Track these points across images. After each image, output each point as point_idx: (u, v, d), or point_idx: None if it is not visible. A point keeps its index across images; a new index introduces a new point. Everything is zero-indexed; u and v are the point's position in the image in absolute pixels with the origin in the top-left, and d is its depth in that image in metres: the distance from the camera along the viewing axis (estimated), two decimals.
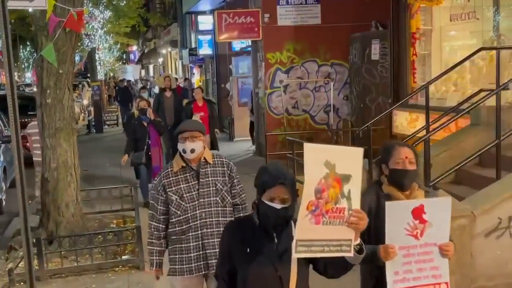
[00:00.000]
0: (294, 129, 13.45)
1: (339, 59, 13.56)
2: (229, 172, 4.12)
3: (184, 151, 3.97)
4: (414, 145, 6.49)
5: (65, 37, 7.18)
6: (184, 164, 4.03)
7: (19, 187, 5.49)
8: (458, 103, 7.98)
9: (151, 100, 14.34)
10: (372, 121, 8.03)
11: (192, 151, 3.95)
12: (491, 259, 5.51)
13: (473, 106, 6.89)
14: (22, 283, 5.99)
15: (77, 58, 35.27)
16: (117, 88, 27.29)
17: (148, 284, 6.16)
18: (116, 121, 23.42)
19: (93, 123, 21.80)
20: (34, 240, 6.07)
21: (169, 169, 4.06)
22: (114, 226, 8.13)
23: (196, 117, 10.71)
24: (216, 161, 4.11)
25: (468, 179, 7.08)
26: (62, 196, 7.33)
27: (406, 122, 10.51)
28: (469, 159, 6.49)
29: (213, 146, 11.21)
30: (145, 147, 9.20)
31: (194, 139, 3.95)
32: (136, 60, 50.91)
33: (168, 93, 12.20)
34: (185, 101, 13.01)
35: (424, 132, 7.31)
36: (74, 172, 7.43)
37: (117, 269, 6.62)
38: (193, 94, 12.04)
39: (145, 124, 9.26)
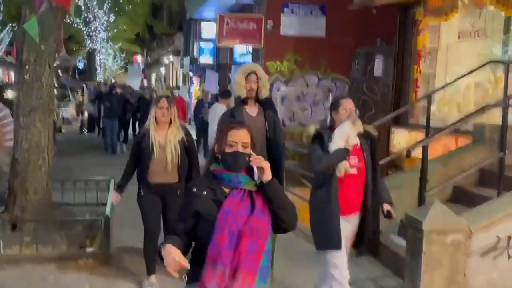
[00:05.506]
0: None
1: (340, 74, 13.18)
2: None
3: None
4: (411, 151, 6.09)
5: (51, 13, 6.78)
6: None
7: None
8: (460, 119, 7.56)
9: None
10: None
11: None
12: (486, 281, 5.02)
13: (475, 116, 6.47)
14: None
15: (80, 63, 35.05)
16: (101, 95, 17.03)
17: (111, 278, 5.70)
18: None
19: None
20: None
21: None
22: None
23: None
24: None
25: (467, 198, 6.61)
26: (31, 179, 6.84)
27: (404, 141, 10.05)
28: (467, 173, 6.06)
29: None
30: None
31: None
32: (140, 71, 50.64)
33: (252, 108, 5.46)
34: (311, 128, 5.70)
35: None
36: (46, 155, 6.94)
37: (81, 261, 6.12)
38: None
39: None
